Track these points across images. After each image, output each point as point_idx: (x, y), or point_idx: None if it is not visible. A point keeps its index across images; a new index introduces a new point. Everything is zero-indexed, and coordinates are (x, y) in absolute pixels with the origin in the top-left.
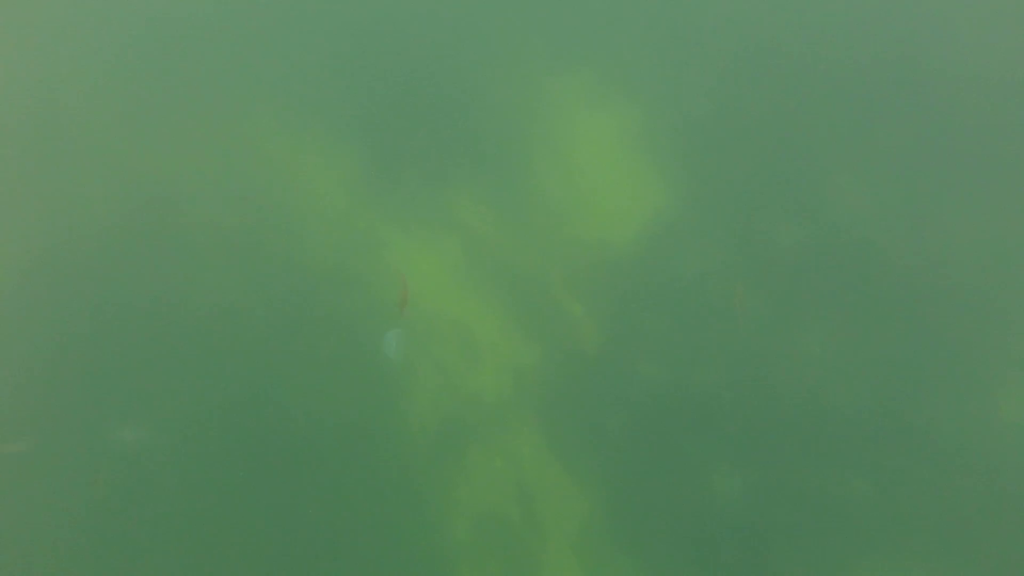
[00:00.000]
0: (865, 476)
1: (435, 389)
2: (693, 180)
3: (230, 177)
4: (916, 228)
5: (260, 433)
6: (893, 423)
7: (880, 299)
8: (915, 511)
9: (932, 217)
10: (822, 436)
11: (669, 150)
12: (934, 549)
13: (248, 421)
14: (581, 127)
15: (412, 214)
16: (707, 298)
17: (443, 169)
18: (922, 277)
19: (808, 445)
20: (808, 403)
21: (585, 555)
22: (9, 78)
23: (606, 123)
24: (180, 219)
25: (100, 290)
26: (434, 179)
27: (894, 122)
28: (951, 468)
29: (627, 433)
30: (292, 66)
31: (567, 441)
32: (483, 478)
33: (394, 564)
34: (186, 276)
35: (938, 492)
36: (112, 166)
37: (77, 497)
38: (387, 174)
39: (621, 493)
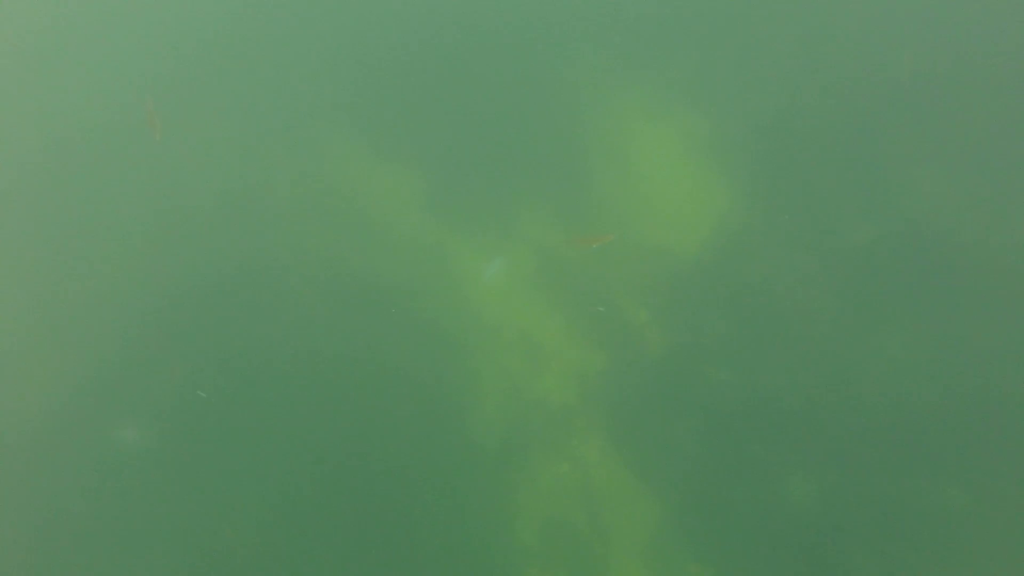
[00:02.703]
0: (954, 482)
1: (502, 396)
2: (758, 183)
3: (303, 200)
4: (997, 218)
5: (338, 444)
6: (983, 425)
7: (962, 294)
8: (1010, 515)
9: (1013, 206)
10: (904, 440)
11: (733, 153)
12: None
13: (319, 434)
14: (643, 135)
15: (477, 227)
16: (776, 301)
17: (507, 182)
18: (1006, 268)
19: (890, 450)
20: (889, 405)
21: (654, 562)
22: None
23: (667, 129)
24: (258, 244)
25: (173, 323)
26: (498, 193)
27: (967, 112)
28: None
29: (695, 438)
30: (359, 92)
31: (634, 447)
32: (550, 484)
33: (462, 572)
34: (263, 300)
35: None
36: (185, 196)
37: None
38: (453, 189)
39: (690, 499)
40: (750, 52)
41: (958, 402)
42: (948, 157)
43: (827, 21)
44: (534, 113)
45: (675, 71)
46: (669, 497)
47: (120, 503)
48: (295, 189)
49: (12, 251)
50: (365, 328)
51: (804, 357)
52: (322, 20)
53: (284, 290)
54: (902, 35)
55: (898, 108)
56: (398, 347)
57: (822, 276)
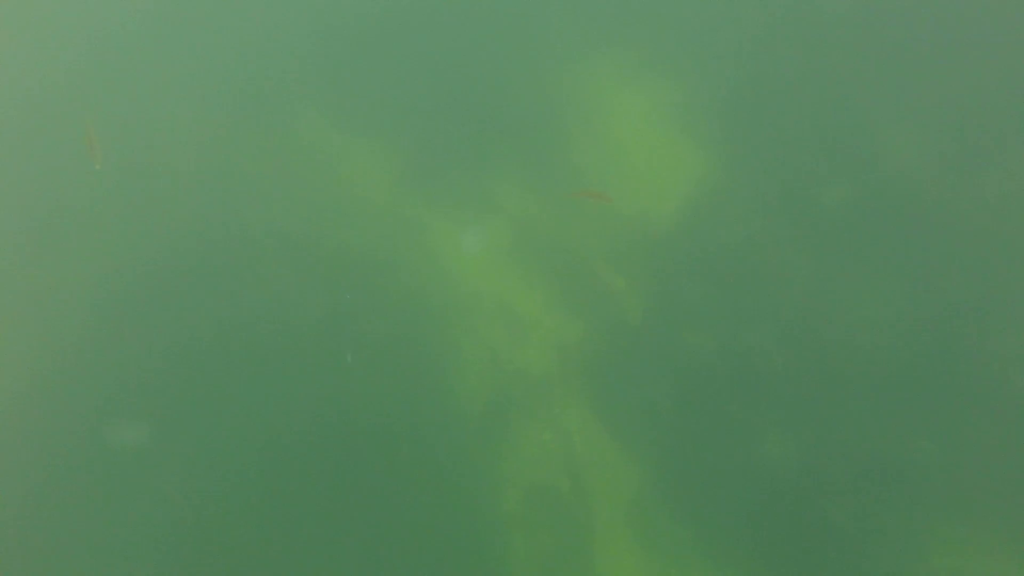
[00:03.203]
0: (926, 435)
1: (482, 366)
2: (731, 148)
3: (280, 175)
4: (964, 177)
5: (318, 414)
6: (955, 379)
7: (931, 252)
8: (983, 471)
9: (980, 165)
10: (877, 396)
11: (705, 120)
12: (1004, 511)
13: (304, 401)
14: (617, 103)
15: (453, 198)
16: (751, 263)
17: (481, 152)
18: (973, 226)
19: (863, 406)
20: (862, 363)
21: (636, 523)
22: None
23: (641, 97)
24: (238, 219)
25: (160, 292)
26: (473, 162)
27: (937, 73)
28: (1021, 423)
29: (674, 401)
30: (332, 66)
31: (615, 413)
32: (532, 452)
33: (446, 538)
34: (245, 273)
35: (1008, 450)
36: (165, 174)
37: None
38: (427, 161)
39: (670, 461)
40: (724, 16)
41: (927, 358)
42: (918, 117)
43: None
44: (508, 82)
45: (648, 37)
46: (650, 460)
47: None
48: (266, 162)
49: None
50: (342, 301)
51: (779, 318)
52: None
53: (258, 264)
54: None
55: (870, 69)
56: (376, 319)
57: (796, 237)
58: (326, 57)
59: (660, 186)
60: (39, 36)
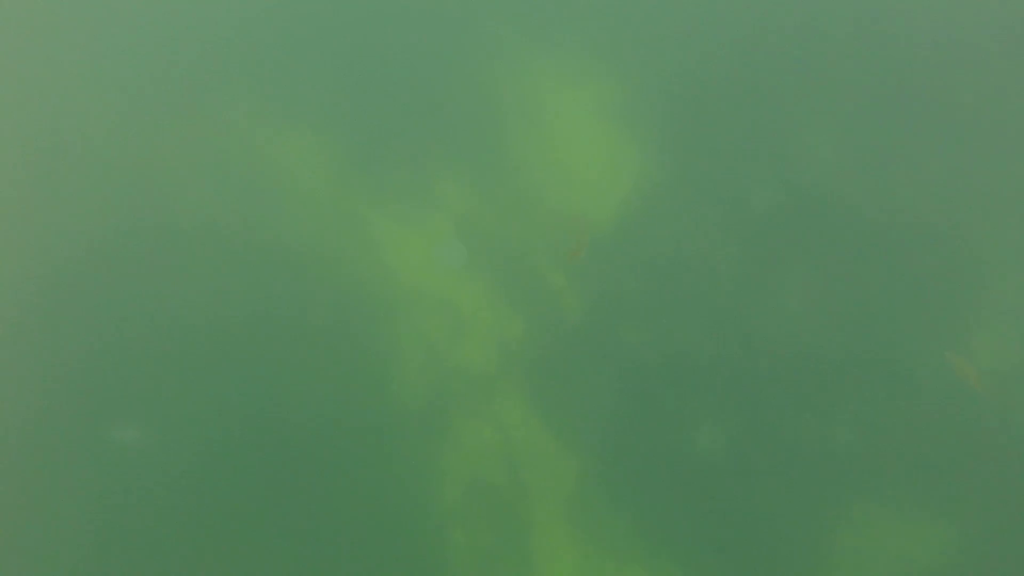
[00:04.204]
0: (844, 422)
1: (422, 362)
2: (668, 150)
3: (213, 166)
4: (884, 181)
5: (249, 412)
6: (870, 370)
7: (850, 251)
8: (895, 453)
9: (900, 170)
10: (800, 388)
11: (645, 122)
12: (914, 489)
13: (238, 401)
14: (558, 103)
15: (394, 194)
16: (684, 262)
17: (423, 149)
18: (892, 227)
19: (787, 397)
20: (787, 357)
21: (575, 515)
22: None
23: (582, 98)
24: (168, 211)
25: (87, 289)
26: (414, 158)
27: (861, 83)
28: (928, 411)
29: (611, 396)
30: (269, 54)
31: (553, 408)
32: (473, 446)
33: (386, 535)
34: (175, 266)
35: (917, 435)
36: (93, 163)
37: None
38: (368, 154)
39: (608, 454)
40: (666, 22)
41: (844, 351)
42: (841, 126)
43: None
44: (452, 79)
45: (591, 39)
46: (588, 454)
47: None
48: (199, 151)
49: None
50: (282, 294)
51: (712, 315)
52: None
53: (198, 255)
54: (810, 6)
55: (800, 80)
56: (316, 314)
57: (728, 239)
58: (265, 45)
59: (599, 186)
60: None
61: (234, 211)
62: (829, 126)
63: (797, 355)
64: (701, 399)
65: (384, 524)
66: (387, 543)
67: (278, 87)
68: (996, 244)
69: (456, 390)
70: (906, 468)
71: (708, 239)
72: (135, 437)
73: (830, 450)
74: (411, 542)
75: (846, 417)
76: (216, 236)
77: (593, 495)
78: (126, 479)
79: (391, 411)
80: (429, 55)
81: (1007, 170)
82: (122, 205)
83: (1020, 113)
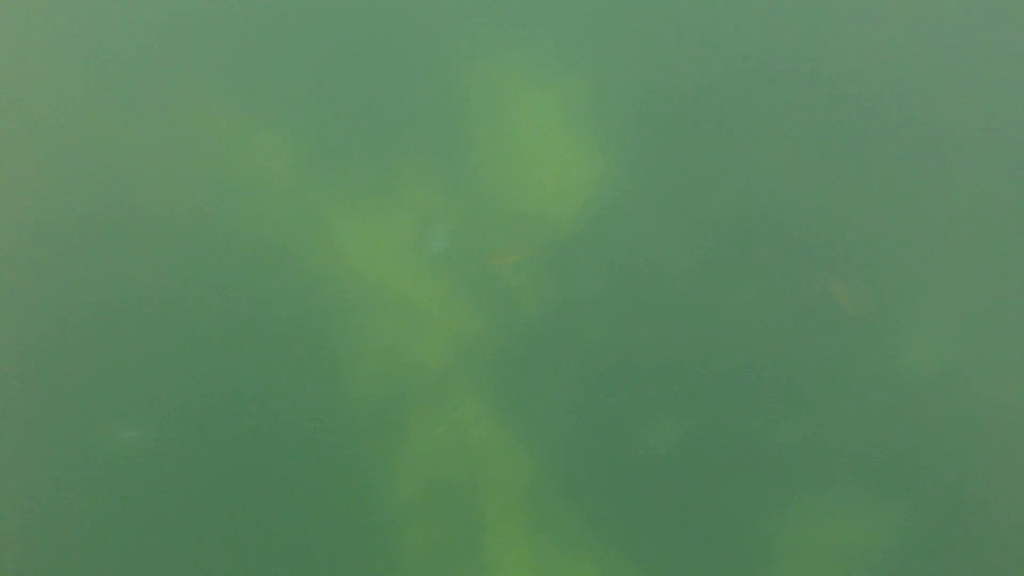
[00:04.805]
0: (791, 422)
1: (381, 358)
2: (628, 154)
3: (175, 157)
4: (827, 194)
5: (202, 404)
6: (817, 373)
7: (800, 257)
8: (840, 451)
9: (841, 184)
10: (749, 388)
11: (609, 127)
12: (856, 485)
13: (191, 393)
14: (525, 105)
15: (355, 191)
16: (643, 267)
17: (389, 147)
18: (838, 232)
19: (738, 398)
20: (738, 357)
21: (531, 512)
22: None
23: (549, 101)
24: (127, 200)
25: (46, 280)
26: (377, 154)
27: (814, 98)
28: (870, 413)
29: (568, 395)
30: (237, 47)
31: (510, 406)
32: (429, 444)
33: (339, 531)
34: (131, 256)
35: (861, 432)
36: (57, 155)
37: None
38: (330, 149)
39: (564, 451)
40: (631, 27)
41: (794, 353)
42: (794, 136)
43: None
44: (417, 77)
45: (556, 42)
46: (544, 451)
47: None
48: (160, 141)
49: None
50: (239, 287)
51: (667, 317)
52: None
53: (154, 245)
54: (776, 22)
55: (756, 88)
56: (273, 307)
57: (687, 245)
58: (233, 38)
59: (559, 187)
60: None
61: (194, 202)
62: (791, 139)
63: (749, 358)
64: (655, 399)
65: (337, 521)
66: (340, 540)
67: (245, 80)
68: (934, 258)
69: (413, 387)
70: (851, 464)
71: (667, 244)
72: (82, 430)
73: (779, 448)
74: (364, 539)
75: (794, 417)
76: (174, 227)
77: (548, 493)
78: (71, 473)
79: (346, 407)
80: (398, 53)
81: (945, 191)
82: (80, 193)
83: (958, 142)
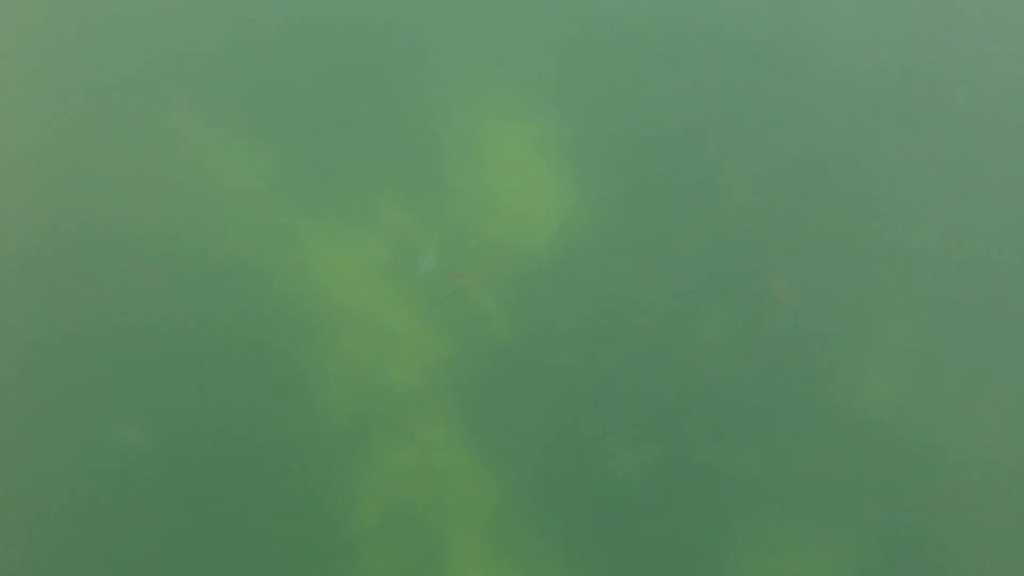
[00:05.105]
0: (754, 449)
1: (350, 380)
2: (603, 187)
3: (144, 173)
4: (790, 234)
5: (167, 424)
6: (780, 403)
7: (765, 293)
8: (800, 480)
9: (803, 205)
10: (717, 413)
11: (582, 158)
12: (817, 512)
13: (156, 413)
14: (498, 131)
15: (329, 212)
16: (613, 294)
17: (362, 169)
18: (805, 259)
19: (705, 422)
20: (705, 383)
21: (496, 539)
22: None
23: (519, 131)
24: (94, 217)
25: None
26: (352, 176)
27: (780, 126)
28: (832, 440)
29: (536, 420)
30: (210, 63)
31: (478, 430)
32: (395, 468)
33: (300, 555)
34: (98, 273)
35: (825, 463)
36: (17, 165)
37: None
38: (305, 170)
39: (530, 478)
40: (610, 59)
41: (760, 380)
42: (766, 173)
43: (682, 33)
44: (393, 101)
45: (534, 73)
46: (511, 476)
47: None
48: (133, 156)
49: None
50: (207, 306)
51: (636, 346)
52: None
53: (122, 263)
54: (750, 56)
55: (726, 116)
56: (244, 328)
57: (655, 275)
58: (206, 53)
59: (533, 214)
60: None
61: (162, 219)
62: (760, 174)
63: (715, 382)
64: (622, 426)
65: (300, 544)
66: (303, 564)
67: (217, 98)
68: (893, 293)
69: (380, 410)
70: (810, 493)
71: (638, 274)
72: (54, 446)
73: (742, 476)
74: (327, 563)
75: (759, 444)
76: (143, 245)
77: (514, 518)
78: (32, 487)
79: (312, 429)
80: (374, 76)
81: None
82: (49, 210)
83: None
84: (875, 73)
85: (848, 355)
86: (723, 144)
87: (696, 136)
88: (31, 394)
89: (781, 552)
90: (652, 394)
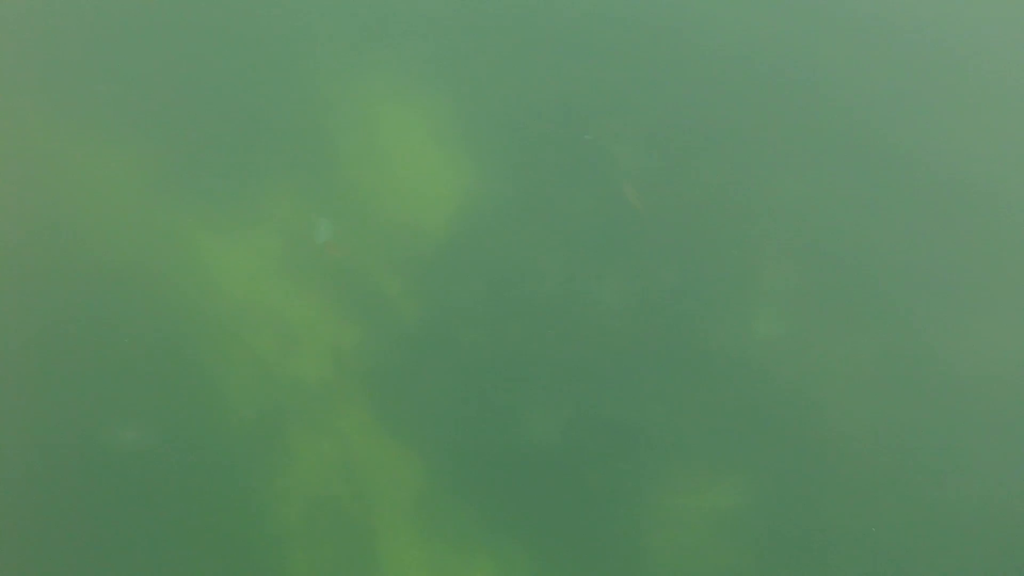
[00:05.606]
0: (656, 400)
1: (255, 377)
2: (499, 165)
3: (18, 183)
4: (685, 186)
5: (71, 440)
6: (676, 354)
7: (657, 242)
8: (701, 427)
9: (709, 177)
10: (621, 371)
11: (476, 137)
12: (715, 457)
13: (59, 429)
14: (390, 115)
15: (218, 209)
16: (513, 267)
17: (248, 161)
18: (689, 230)
19: (610, 380)
20: (606, 344)
21: (421, 521)
22: None
23: (413, 114)
24: None
25: None
26: (239, 170)
27: (671, 90)
28: (727, 385)
29: (449, 398)
30: (75, 62)
31: (394, 414)
32: (311, 462)
33: (223, 559)
34: None
35: (719, 409)
36: None
37: None
38: (188, 168)
39: (450, 455)
40: (500, 37)
41: (657, 336)
42: (651, 133)
43: (562, 9)
44: (277, 89)
45: (423, 53)
46: (430, 457)
47: None
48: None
49: None
50: (99, 313)
51: (539, 315)
52: None
53: (9, 277)
54: (631, 29)
55: (621, 91)
56: (136, 334)
57: (552, 246)
58: (69, 52)
59: (430, 196)
60: None
61: (41, 227)
62: (646, 135)
63: (614, 342)
64: (533, 393)
65: (223, 548)
66: (227, 568)
67: (88, 96)
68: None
69: (290, 404)
70: (710, 438)
71: (535, 246)
72: None
73: (647, 428)
74: (255, 562)
75: (657, 396)
76: (26, 255)
77: (438, 495)
78: None
79: (222, 431)
80: (258, 66)
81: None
82: None
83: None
84: (746, 49)
85: (730, 304)
86: (605, 115)
87: (580, 109)
88: None
89: (687, 492)
90: (556, 359)
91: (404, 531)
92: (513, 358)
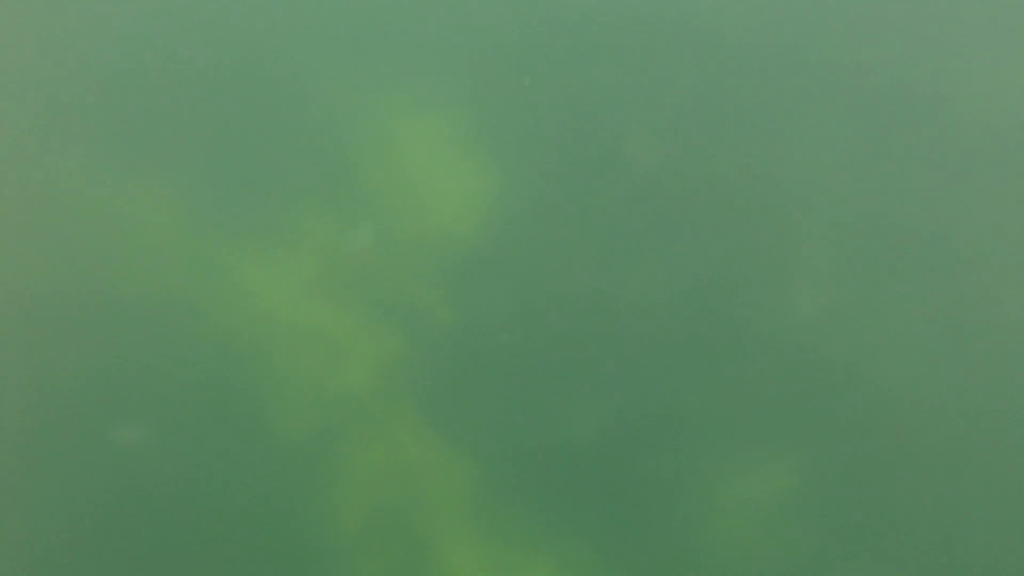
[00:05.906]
0: (703, 387)
1: (306, 394)
2: (522, 168)
3: (57, 231)
4: (699, 166)
5: (129, 474)
6: (714, 341)
7: (682, 236)
8: (741, 415)
9: (707, 148)
10: (659, 366)
11: (496, 141)
12: (757, 445)
13: (114, 465)
14: (413, 130)
15: (251, 233)
16: (543, 268)
17: (278, 184)
18: (716, 208)
19: (647, 372)
20: (641, 337)
21: (479, 522)
22: None
23: (434, 124)
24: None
25: None
26: (270, 198)
27: (687, 96)
28: (768, 367)
29: (494, 399)
30: (102, 98)
31: (443, 418)
32: (367, 471)
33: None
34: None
35: (757, 397)
36: None
37: None
38: (220, 198)
39: (502, 456)
40: (517, 43)
41: (691, 326)
42: (667, 134)
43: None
44: (299, 113)
45: (439, 69)
46: (484, 458)
47: None
48: (31, 214)
49: None
50: (149, 348)
51: (577, 307)
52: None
53: (55, 328)
54: (647, 34)
55: (626, 84)
56: (184, 366)
57: (581, 244)
58: (93, 91)
59: (458, 203)
60: None
61: (83, 270)
62: (662, 135)
63: (658, 335)
64: (576, 383)
65: (291, 558)
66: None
67: (117, 134)
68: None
69: (343, 417)
70: (753, 425)
71: (566, 244)
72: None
73: (697, 417)
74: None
75: (693, 385)
76: (70, 304)
77: (494, 494)
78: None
79: (277, 452)
80: (279, 91)
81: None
82: None
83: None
84: (759, 44)
85: (770, 284)
86: (625, 116)
87: (599, 110)
88: None
89: (743, 477)
90: (596, 355)
91: (462, 529)
92: (555, 355)
